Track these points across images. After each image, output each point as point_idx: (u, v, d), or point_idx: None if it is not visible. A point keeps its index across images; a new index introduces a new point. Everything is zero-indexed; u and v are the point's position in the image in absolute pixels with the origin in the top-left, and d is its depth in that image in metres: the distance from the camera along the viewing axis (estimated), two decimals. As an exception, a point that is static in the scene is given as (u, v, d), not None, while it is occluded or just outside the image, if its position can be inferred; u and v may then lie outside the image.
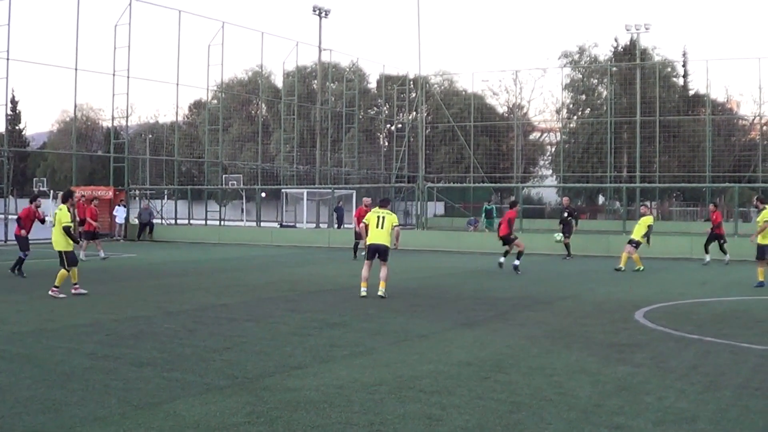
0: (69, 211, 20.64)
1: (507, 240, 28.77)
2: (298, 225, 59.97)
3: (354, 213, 37.66)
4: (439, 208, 74.20)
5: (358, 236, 32.15)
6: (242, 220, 67.08)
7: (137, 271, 28.03)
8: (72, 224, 20.75)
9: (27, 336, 14.45)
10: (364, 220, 21.36)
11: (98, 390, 10.25)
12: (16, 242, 27.44)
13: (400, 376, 11.02)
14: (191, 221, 59.72)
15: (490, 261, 32.30)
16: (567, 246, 34.68)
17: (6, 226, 46.11)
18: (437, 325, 15.93)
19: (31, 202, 27.15)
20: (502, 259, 28.88)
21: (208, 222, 59.55)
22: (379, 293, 20.14)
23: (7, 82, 47.36)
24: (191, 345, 13.47)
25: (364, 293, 20.23)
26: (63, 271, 20.28)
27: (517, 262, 27.67)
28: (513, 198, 29.13)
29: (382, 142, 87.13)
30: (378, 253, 20.63)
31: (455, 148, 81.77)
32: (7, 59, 46.51)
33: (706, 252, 31.89)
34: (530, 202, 73.95)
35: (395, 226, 20.86)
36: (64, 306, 18.64)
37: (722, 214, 33.40)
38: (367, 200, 36.37)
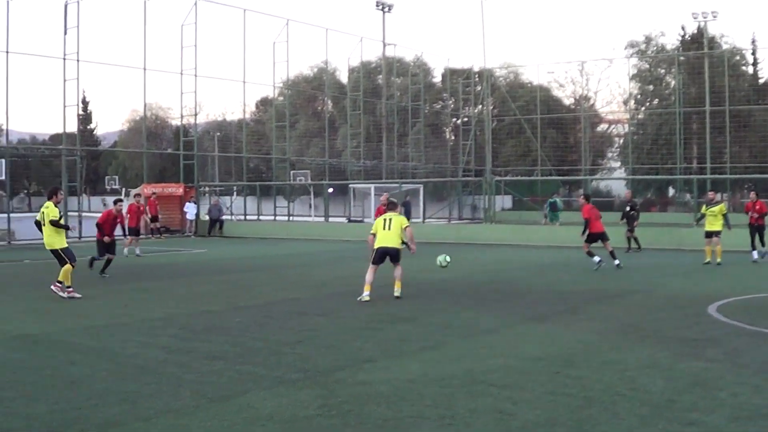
0: (56, 207, 19.87)
1: (604, 237, 27.23)
2: (365, 220, 59.96)
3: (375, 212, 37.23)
4: (506, 201, 73.88)
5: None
6: (310, 216, 67.15)
7: (208, 267, 28.28)
8: (60, 218, 19.92)
9: (102, 330, 14.71)
10: (372, 230, 20.10)
11: (172, 383, 10.44)
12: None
13: (470, 370, 11.05)
14: (260, 217, 59.95)
15: (558, 255, 32.23)
16: (635, 240, 34.29)
17: (80, 223, 46.60)
18: (507, 319, 15.92)
19: (114, 204, 27.26)
20: (597, 258, 26.44)
21: (277, 217, 59.80)
22: (396, 294, 19.19)
23: (78, 83, 47.84)
24: (262, 339, 13.64)
25: (367, 298, 18.73)
26: (67, 266, 19.54)
27: (617, 261, 26.69)
28: (582, 191, 27.99)
29: (448, 136, 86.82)
30: (389, 256, 19.63)
31: (522, 141, 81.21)
32: (78, 60, 47.02)
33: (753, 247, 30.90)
34: (599, 195, 73.20)
35: (405, 227, 19.92)
36: (137, 301, 18.94)
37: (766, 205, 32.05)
38: (384, 198, 36.48)
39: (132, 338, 13.73)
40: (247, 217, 59.14)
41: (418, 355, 12.16)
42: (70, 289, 19.55)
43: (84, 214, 50.10)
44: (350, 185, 64.16)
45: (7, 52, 43.82)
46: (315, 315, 16.58)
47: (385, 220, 19.72)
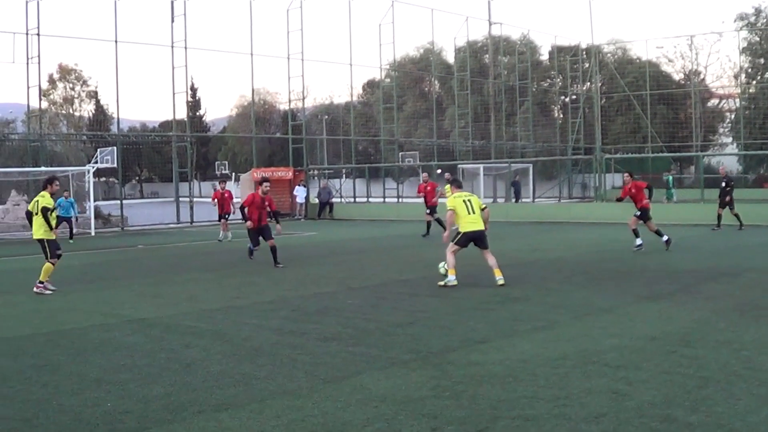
0: (52, 197, 19.28)
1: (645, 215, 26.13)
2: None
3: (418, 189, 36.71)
4: (617, 179, 73.11)
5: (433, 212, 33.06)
6: (420, 196, 67.22)
7: (319, 249, 28.45)
8: (53, 210, 19.22)
9: (216, 313, 14.89)
10: (448, 208, 18.67)
11: (286, 364, 10.52)
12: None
13: (584, 350, 10.96)
14: (369, 199, 60.19)
15: (672, 232, 31.79)
16: (737, 216, 33.35)
17: (192, 209, 47.27)
18: (620, 298, 15.74)
19: (261, 185, 23.99)
20: (639, 241, 25.57)
21: (386, 199, 59.92)
22: (500, 282, 18.03)
23: (186, 70, 48.54)
24: (375, 320, 13.69)
25: (454, 281, 18.02)
26: (48, 264, 18.83)
27: (665, 237, 25.78)
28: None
29: (556, 114, 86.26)
30: (476, 240, 18.52)
31: (631, 117, 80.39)
32: (185, 48, 47.66)
33: None
34: (710, 171, 72.10)
35: (484, 207, 18.82)
36: (250, 284, 19.10)
37: None
38: (425, 175, 36.39)
39: (246, 321, 13.89)
40: (357, 200, 59.38)
41: (531, 335, 12.09)
42: (41, 285, 18.68)
43: (195, 199, 50.74)
44: (459, 165, 64.06)
45: (116, 41, 44.57)
46: (427, 296, 16.58)
47: (465, 201, 18.67)
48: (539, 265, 21.94)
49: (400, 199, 59.06)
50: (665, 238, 25.39)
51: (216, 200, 34.03)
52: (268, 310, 15.03)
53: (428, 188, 34.31)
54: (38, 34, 41.68)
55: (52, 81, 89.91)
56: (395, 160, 64.36)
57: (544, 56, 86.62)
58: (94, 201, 42.10)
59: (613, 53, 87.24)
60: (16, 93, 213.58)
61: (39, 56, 42.10)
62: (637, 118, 79.09)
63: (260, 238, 23.53)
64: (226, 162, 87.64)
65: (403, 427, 7.81)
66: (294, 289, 18.02)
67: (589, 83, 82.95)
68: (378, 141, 69.83)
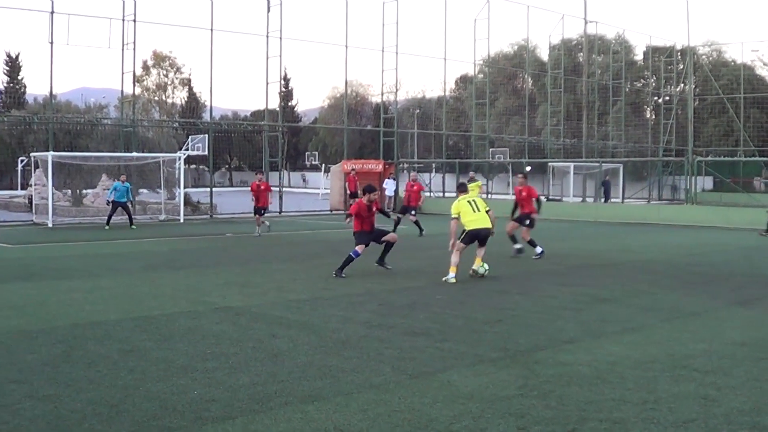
0: None
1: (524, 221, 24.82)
2: (564, 199, 59.61)
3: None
4: (707, 182, 72.30)
5: (403, 211, 33.26)
6: (508, 194, 67.02)
7: (408, 243, 28.41)
8: None
9: (304, 304, 14.94)
10: (452, 215, 19.11)
11: (373, 358, 10.53)
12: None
13: (672, 354, 10.84)
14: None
15: (761, 238, 31.42)
16: None
17: (281, 198, 47.55)
18: (710, 303, 15.56)
19: (364, 194, 21.46)
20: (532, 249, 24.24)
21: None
22: (481, 271, 18.91)
23: (280, 60, 48.90)
24: (463, 316, 13.64)
25: (454, 279, 18.28)
26: None
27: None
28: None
29: (648, 115, 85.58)
30: (479, 239, 19.09)
31: (724, 120, 79.51)
32: (280, 38, 47.96)
33: None
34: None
35: (488, 210, 19.19)
36: (338, 276, 19.09)
37: None
38: (414, 174, 36.47)
39: (334, 313, 13.92)
40: (446, 194, 59.27)
41: (619, 337, 11.99)
42: None
43: (284, 189, 51.03)
44: (549, 163, 63.77)
45: (212, 29, 44.96)
46: (515, 293, 16.52)
47: (470, 202, 19.18)
48: (628, 267, 21.76)
49: (489, 195, 58.85)
50: (539, 250, 23.81)
51: (252, 193, 32.59)
52: (356, 303, 15.06)
53: (414, 188, 34.08)
54: (134, 20, 42.17)
55: (146, 67, 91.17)
56: (485, 156, 64.21)
57: (639, 56, 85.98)
58: (184, 188, 42.46)
59: (708, 55, 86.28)
60: (110, 78, 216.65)
61: (134, 42, 42.65)
62: (730, 121, 78.17)
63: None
64: (317, 153, 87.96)
65: (490, 425, 7.78)
66: (382, 283, 18.05)
67: (682, 85, 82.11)
68: (469, 136, 69.69)
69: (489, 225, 18.98)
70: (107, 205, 36.23)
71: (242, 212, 44.20)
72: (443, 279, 18.39)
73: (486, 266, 19.09)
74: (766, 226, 32.99)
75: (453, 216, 19.14)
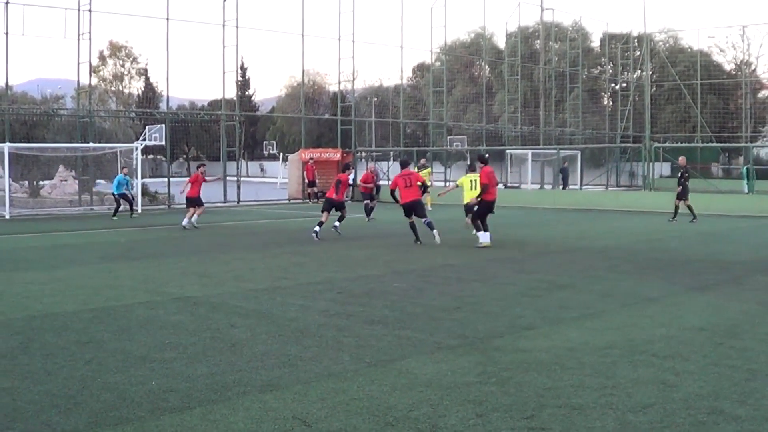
0: None
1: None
2: (522, 186, 59.79)
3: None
4: (665, 168, 72.70)
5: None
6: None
7: (365, 232, 28.44)
8: None
9: (262, 293, 14.91)
10: (457, 182, 26.11)
11: (332, 346, 10.51)
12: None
13: (631, 339, 10.89)
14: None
15: (719, 224, 31.66)
16: (689, 208, 33.14)
17: (239, 188, 47.48)
18: (668, 288, 15.63)
19: (344, 171, 27.58)
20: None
21: (434, 183, 59.82)
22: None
23: (237, 50, 48.73)
24: (421, 304, 13.63)
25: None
26: None
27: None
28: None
29: (606, 102, 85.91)
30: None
31: (681, 107, 79.94)
32: (237, 27, 47.82)
33: None
34: (760, 163, 71.36)
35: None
36: (296, 265, 19.12)
37: None
38: (372, 166, 37.45)
39: (292, 302, 13.87)
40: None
41: (578, 323, 12.02)
42: None
43: (242, 178, 50.90)
44: (507, 151, 63.92)
45: (168, 19, 44.77)
46: (473, 281, 16.53)
47: (471, 181, 25.02)
48: (586, 253, 21.85)
49: (447, 183, 58.88)
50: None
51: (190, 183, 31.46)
52: (315, 292, 15.02)
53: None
54: (90, 10, 41.91)
55: (102, 57, 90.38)
56: (443, 144, 64.21)
57: (596, 43, 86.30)
58: (142, 178, 42.25)
59: (665, 42, 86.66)
60: (66, 69, 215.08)
61: (90, 32, 42.34)
62: (687, 107, 78.60)
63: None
64: (274, 142, 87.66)
65: (449, 412, 7.77)
66: (340, 271, 18.03)
67: (639, 71, 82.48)
68: (426, 124, 69.72)
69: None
70: (113, 197, 36.05)
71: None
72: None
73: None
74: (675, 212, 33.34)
75: (456, 183, 25.54)
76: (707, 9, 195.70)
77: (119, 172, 36.79)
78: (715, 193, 45.68)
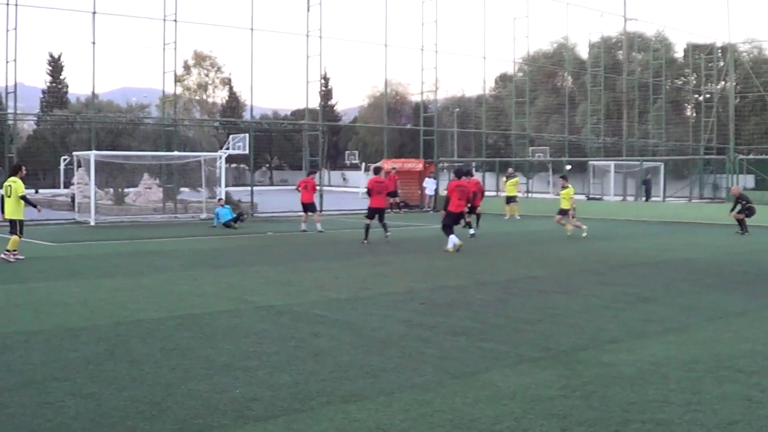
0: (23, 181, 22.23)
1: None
2: (604, 197, 59.40)
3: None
4: (749, 181, 71.88)
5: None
6: (548, 192, 66.84)
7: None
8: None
9: (345, 302, 14.98)
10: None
11: (414, 357, 10.50)
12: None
13: (716, 354, 10.77)
14: (499, 193, 59.91)
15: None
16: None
17: (321, 197, 47.67)
18: (753, 302, 15.45)
19: (375, 173, 29.35)
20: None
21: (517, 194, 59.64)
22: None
23: (320, 60, 48.93)
24: (504, 315, 13.60)
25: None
26: (15, 237, 21.77)
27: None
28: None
29: (689, 113, 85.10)
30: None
31: (766, 118, 78.97)
32: (320, 37, 48.00)
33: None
34: None
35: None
36: (378, 275, 19.16)
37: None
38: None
39: (375, 312, 13.90)
40: (486, 193, 59.14)
41: (662, 337, 11.92)
42: (15, 252, 21.75)
43: (325, 188, 51.09)
44: (589, 162, 63.55)
45: (252, 29, 45.06)
46: (556, 293, 16.47)
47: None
48: (670, 266, 21.66)
49: (529, 194, 58.70)
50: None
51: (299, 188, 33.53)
52: (397, 302, 15.05)
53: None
54: (175, 21, 42.30)
55: (186, 67, 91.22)
56: (526, 154, 64.02)
57: (679, 54, 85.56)
58: (225, 187, 42.60)
59: (749, 52, 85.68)
60: (151, 78, 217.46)
61: (175, 42, 42.76)
62: (772, 118, 77.64)
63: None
64: (357, 152, 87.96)
65: (532, 426, 7.75)
66: (422, 281, 18.05)
67: (723, 82, 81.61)
68: (508, 135, 69.50)
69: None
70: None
71: (282, 211, 44.38)
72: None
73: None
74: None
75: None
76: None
77: (218, 205, 37.13)
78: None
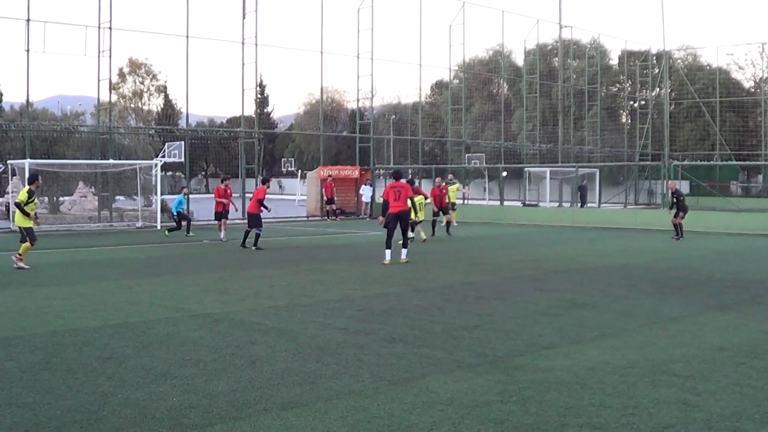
0: (33, 192, 22.50)
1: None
2: (540, 204, 59.75)
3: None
4: (684, 187, 72.61)
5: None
6: (485, 199, 67.11)
7: (383, 248, 28.43)
8: (30, 204, 22.23)
9: (282, 310, 14.92)
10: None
11: (352, 364, 10.49)
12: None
13: (652, 359, 10.86)
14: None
15: (739, 242, 31.62)
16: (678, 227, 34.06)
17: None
18: (688, 307, 15.58)
19: (263, 183, 29.66)
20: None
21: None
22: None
23: (256, 67, 48.88)
24: (441, 322, 13.61)
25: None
26: (27, 243, 22.07)
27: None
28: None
29: (624, 120, 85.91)
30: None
31: (700, 124, 79.96)
32: (256, 45, 47.93)
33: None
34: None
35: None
36: (315, 282, 19.12)
37: None
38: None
39: (312, 319, 13.87)
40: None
41: (598, 342, 12.00)
42: (18, 257, 22.04)
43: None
44: (525, 169, 63.89)
45: (188, 36, 44.91)
46: (493, 299, 16.51)
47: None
48: (606, 272, 21.81)
49: (466, 201, 58.92)
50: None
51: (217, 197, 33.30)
52: (334, 309, 15.03)
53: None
54: (110, 28, 42.07)
55: (122, 74, 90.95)
56: (462, 161, 64.24)
57: (614, 60, 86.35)
58: (161, 195, 42.37)
59: (684, 59, 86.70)
60: (86, 86, 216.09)
61: (110, 50, 42.50)
62: (706, 125, 78.59)
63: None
64: (293, 159, 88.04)
65: (470, 431, 7.76)
66: (359, 289, 18.03)
67: (658, 89, 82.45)
68: (445, 142, 69.85)
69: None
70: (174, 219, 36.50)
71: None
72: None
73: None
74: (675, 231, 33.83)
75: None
76: (726, 26, 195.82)
77: (181, 192, 37.39)
78: (735, 212, 45.62)
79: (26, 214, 22.11)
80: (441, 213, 35.47)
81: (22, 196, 22.08)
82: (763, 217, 41.10)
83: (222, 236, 32.04)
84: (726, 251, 28.41)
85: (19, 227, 22.36)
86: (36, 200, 23.03)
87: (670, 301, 16.42)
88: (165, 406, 8.53)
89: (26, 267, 21.65)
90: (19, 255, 21.91)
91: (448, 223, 35.69)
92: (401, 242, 24.03)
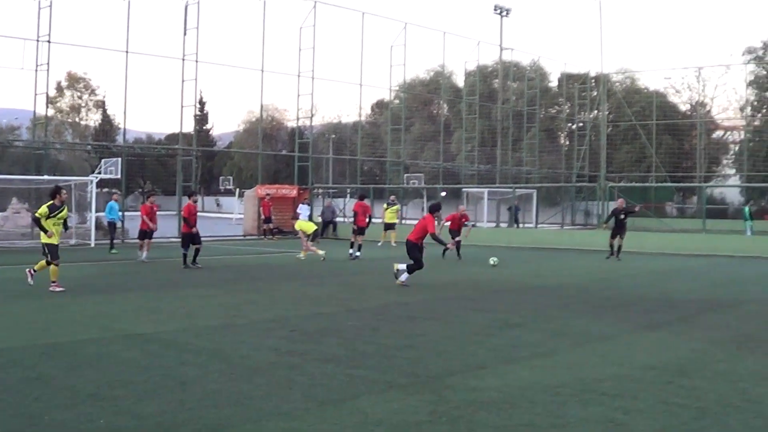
0: (57, 207, 21.28)
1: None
2: (478, 224, 59.90)
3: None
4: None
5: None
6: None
7: (321, 269, 28.39)
8: (52, 218, 21.20)
9: (214, 330, 14.83)
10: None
11: (283, 385, 10.44)
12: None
13: (582, 378, 10.92)
14: (374, 220, 60.05)
15: (671, 262, 31.90)
16: (616, 247, 34.60)
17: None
18: (619, 327, 15.72)
19: (189, 197, 29.95)
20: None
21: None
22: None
23: (195, 84, 48.61)
24: (374, 342, 13.60)
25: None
26: (51, 265, 21.14)
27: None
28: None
29: (562, 141, 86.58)
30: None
31: (637, 146, 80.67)
32: (196, 61, 47.71)
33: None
34: (713, 203, 72.06)
35: None
36: (249, 302, 19.03)
37: None
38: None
39: (244, 339, 13.80)
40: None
41: (529, 362, 12.05)
42: (55, 283, 20.97)
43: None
44: (464, 189, 64.08)
45: (127, 52, 44.62)
46: (426, 319, 16.55)
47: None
48: (540, 292, 21.95)
49: (403, 221, 58.94)
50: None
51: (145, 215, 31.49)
52: (267, 329, 14.96)
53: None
54: (48, 41, 41.72)
55: (59, 88, 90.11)
56: (400, 181, 64.32)
57: (553, 83, 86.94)
58: (96, 212, 42.03)
59: (622, 82, 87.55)
60: (22, 99, 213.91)
61: (48, 63, 42.15)
62: (642, 147, 79.25)
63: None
64: (231, 177, 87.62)
65: (398, 452, 7.76)
66: (293, 309, 17.96)
67: (596, 111, 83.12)
68: (384, 162, 69.87)
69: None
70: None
71: (154, 237, 43.88)
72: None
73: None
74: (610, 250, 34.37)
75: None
76: (664, 51, 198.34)
77: (111, 199, 37.22)
78: (669, 232, 46.08)
79: (44, 230, 21.04)
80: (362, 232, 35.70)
81: (42, 210, 21.09)
82: (697, 238, 41.60)
83: (144, 256, 31.11)
84: (659, 271, 28.69)
85: (42, 243, 21.40)
86: (64, 214, 21.77)
87: (602, 320, 16.55)
88: (92, 427, 8.44)
89: (60, 289, 20.69)
90: (35, 270, 21.88)
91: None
92: (403, 265, 23.86)
